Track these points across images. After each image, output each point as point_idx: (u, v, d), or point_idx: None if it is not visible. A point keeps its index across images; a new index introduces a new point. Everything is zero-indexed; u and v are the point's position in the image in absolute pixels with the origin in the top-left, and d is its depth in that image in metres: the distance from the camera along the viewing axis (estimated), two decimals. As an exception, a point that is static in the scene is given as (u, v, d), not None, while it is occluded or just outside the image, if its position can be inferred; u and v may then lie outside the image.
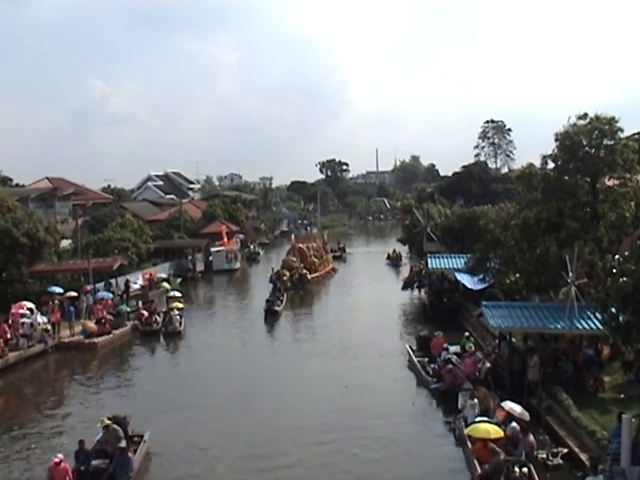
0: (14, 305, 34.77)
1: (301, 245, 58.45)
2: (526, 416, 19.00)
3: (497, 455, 17.04)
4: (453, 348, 27.63)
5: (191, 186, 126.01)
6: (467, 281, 36.91)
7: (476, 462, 17.64)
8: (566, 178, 26.82)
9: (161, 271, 56.81)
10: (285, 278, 51.08)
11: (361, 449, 20.37)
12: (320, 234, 72.66)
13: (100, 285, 44.07)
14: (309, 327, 39.65)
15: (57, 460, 17.03)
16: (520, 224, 27.29)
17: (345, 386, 26.67)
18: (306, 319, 42.29)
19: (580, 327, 22.85)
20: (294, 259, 54.97)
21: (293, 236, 68.23)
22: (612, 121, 26.07)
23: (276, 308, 42.64)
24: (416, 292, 47.78)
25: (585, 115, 26.52)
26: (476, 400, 21.19)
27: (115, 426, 18.88)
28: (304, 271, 54.21)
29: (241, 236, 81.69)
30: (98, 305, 39.01)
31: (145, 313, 39.29)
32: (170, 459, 19.99)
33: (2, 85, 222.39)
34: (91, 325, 36.06)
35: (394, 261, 68.79)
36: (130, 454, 18.16)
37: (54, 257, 44.97)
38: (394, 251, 70.15)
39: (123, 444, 18.17)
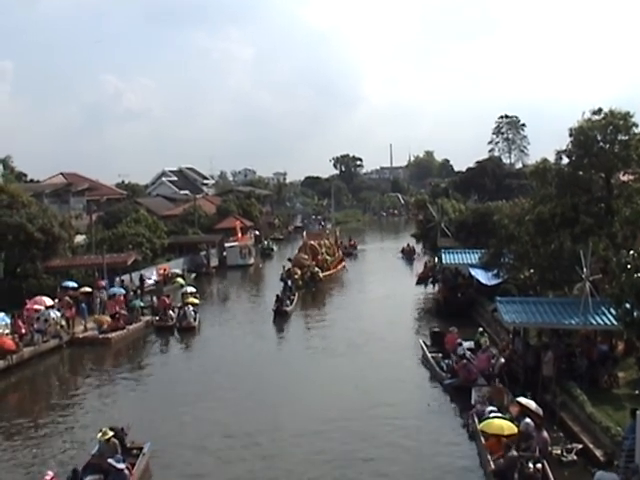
0: (29, 300, 34.97)
1: (313, 242, 56.66)
2: (540, 412, 18.92)
3: (511, 450, 16.98)
4: (467, 343, 27.58)
5: (205, 181, 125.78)
6: (481, 276, 36.81)
7: (489, 458, 17.59)
8: (580, 173, 26.71)
9: (175, 266, 56.84)
10: (296, 276, 49.33)
11: (373, 445, 20.34)
12: (333, 230, 72.34)
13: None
14: (321, 325, 39.41)
15: (48, 477, 16.15)
16: (534, 219, 27.21)
17: (355, 385, 26.53)
18: (318, 317, 41.91)
19: (594, 323, 22.72)
20: (305, 257, 53.14)
21: (305, 232, 67.67)
22: (627, 116, 25.92)
23: (286, 308, 41.47)
24: (430, 287, 47.68)
25: (599, 110, 26.38)
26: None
27: (115, 440, 17.71)
28: (316, 269, 52.34)
29: (255, 232, 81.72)
30: (111, 300, 39.19)
31: (167, 300, 39.83)
32: (175, 464, 19.39)
33: (15, 81, 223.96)
34: (105, 319, 36.24)
35: (408, 255, 68.86)
36: (126, 470, 16.83)
37: (68, 252, 45.08)
38: (408, 245, 70.09)
39: (121, 466, 16.73)
